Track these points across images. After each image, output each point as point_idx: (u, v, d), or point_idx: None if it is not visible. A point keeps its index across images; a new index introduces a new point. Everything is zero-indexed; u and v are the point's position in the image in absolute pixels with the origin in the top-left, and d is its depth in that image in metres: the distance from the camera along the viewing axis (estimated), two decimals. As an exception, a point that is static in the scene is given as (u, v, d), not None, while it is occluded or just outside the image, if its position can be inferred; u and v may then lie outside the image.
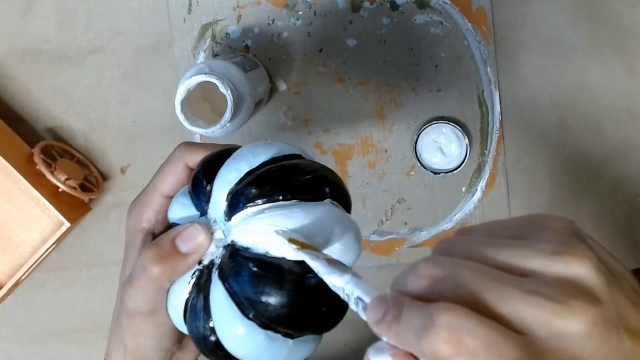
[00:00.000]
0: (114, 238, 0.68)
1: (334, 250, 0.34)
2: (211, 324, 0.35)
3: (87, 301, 0.69)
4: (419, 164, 0.64)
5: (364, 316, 0.31)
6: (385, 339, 0.29)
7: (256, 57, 0.65)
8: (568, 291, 0.25)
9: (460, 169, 0.63)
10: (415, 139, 0.64)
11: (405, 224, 0.67)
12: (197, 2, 0.65)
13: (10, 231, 0.65)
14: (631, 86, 0.65)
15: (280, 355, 0.35)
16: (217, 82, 0.52)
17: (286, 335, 0.35)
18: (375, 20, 0.64)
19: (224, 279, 0.34)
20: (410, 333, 0.27)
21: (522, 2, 0.64)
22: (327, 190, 0.36)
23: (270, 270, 0.33)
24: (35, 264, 0.64)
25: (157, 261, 0.35)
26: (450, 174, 0.64)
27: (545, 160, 0.66)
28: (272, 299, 0.33)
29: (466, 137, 0.63)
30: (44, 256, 0.64)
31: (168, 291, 0.37)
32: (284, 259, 0.33)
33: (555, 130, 0.65)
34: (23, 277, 0.64)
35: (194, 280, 0.36)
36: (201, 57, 0.65)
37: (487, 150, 0.65)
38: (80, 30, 0.66)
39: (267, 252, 0.34)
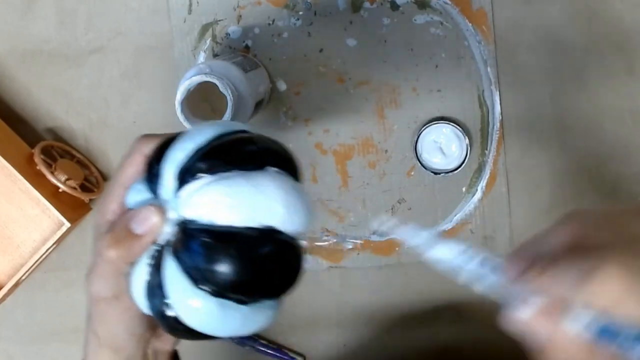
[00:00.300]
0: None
1: (278, 214, 0.35)
2: (167, 300, 0.36)
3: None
4: (419, 164, 0.64)
5: (491, 275, 0.33)
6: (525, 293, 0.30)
7: (256, 57, 0.65)
8: None
9: (460, 169, 0.63)
10: (415, 139, 0.64)
11: (406, 224, 0.67)
12: (197, 2, 0.65)
13: (10, 231, 0.65)
14: (631, 86, 0.65)
15: (234, 322, 0.36)
16: (217, 82, 0.52)
17: (239, 302, 0.36)
18: (376, 20, 0.64)
19: (175, 253, 0.36)
20: (568, 279, 0.28)
21: (522, 2, 0.64)
22: (270, 158, 0.37)
23: (215, 239, 0.35)
24: (35, 264, 0.64)
25: (112, 245, 0.37)
26: (450, 174, 0.64)
27: (545, 160, 0.66)
28: (219, 266, 0.34)
29: (466, 137, 0.63)
30: (44, 256, 0.64)
31: (130, 275, 0.38)
32: (229, 226, 0.35)
33: (555, 130, 0.65)
34: (23, 277, 0.64)
35: (151, 260, 0.37)
36: (201, 57, 0.65)
37: (487, 150, 0.65)
38: (80, 30, 0.66)
39: (212, 222, 0.35)
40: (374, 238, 0.67)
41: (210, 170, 0.36)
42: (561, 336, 0.28)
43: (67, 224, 0.62)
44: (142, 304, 0.38)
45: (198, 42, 0.65)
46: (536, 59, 0.64)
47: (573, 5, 0.64)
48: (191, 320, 0.36)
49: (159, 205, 0.37)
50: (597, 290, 0.27)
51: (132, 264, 0.38)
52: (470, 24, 0.64)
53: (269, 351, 0.69)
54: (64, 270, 0.69)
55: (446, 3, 0.64)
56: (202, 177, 0.36)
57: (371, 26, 0.64)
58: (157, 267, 0.37)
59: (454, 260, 0.35)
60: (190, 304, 0.35)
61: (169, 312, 0.36)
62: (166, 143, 0.38)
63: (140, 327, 0.40)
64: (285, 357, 0.69)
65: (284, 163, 0.38)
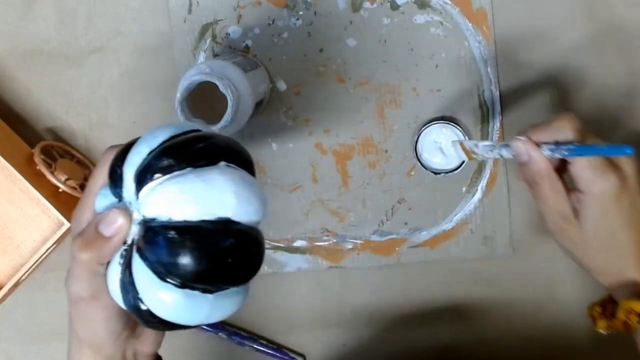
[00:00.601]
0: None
1: (231, 205, 0.38)
2: (138, 295, 0.38)
3: (87, 301, 0.69)
4: (419, 164, 0.64)
5: (507, 154, 0.52)
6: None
7: (256, 57, 0.65)
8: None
9: (460, 169, 0.63)
10: (415, 139, 0.64)
11: (406, 224, 0.67)
12: (197, 2, 0.65)
13: (10, 231, 0.65)
14: (631, 86, 0.65)
15: (202, 311, 0.38)
16: (217, 82, 0.52)
17: (204, 291, 0.38)
18: (376, 20, 0.64)
19: (140, 251, 0.38)
20: (541, 127, 0.50)
21: (522, 2, 0.64)
22: (220, 154, 0.39)
23: (175, 233, 0.37)
24: (35, 264, 0.64)
25: (83, 248, 0.39)
26: (450, 174, 0.64)
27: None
28: (181, 259, 0.36)
29: (466, 137, 0.63)
30: (44, 256, 0.64)
31: (106, 275, 0.40)
32: (185, 221, 0.37)
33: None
34: (23, 277, 0.64)
35: (122, 260, 0.39)
36: (201, 57, 0.65)
37: (487, 150, 0.65)
38: (80, 30, 0.66)
39: (170, 218, 0.37)
40: (374, 238, 0.67)
41: (164, 170, 0.38)
42: (536, 155, 0.49)
43: (67, 224, 0.62)
44: (119, 300, 0.40)
45: (198, 42, 0.65)
46: (536, 59, 0.64)
47: (573, 5, 0.64)
48: (162, 312, 0.38)
49: (124, 208, 0.39)
50: (558, 128, 0.49)
51: (105, 264, 0.40)
52: (471, 24, 0.64)
53: (268, 351, 0.69)
54: (64, 270, 0.68)
55: (446, 3, 0.64)
56: (156, 177, 0.38)
57: (371, 26, 0.64)
58: (127, 265, 0.39)
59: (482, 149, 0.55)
60: (159, 297, 0.37)
61: (142, 307, 0.38)
62: (126, 148, 0.41)
63: (118, 324, 0.42)
64: (285, 357, 0.69)
65: (235, 157, 0.40)
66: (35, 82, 0.67)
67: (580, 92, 0.65)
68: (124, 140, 0.66)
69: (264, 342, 0.69)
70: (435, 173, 0.64)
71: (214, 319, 0.39)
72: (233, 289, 0.39)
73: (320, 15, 0.64)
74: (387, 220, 0.67)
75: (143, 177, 0.38)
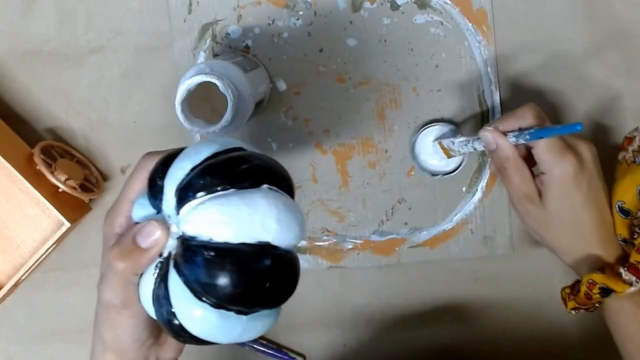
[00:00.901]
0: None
1: (272, 230, 0.38)
2: (172, 309, 0.38)
3: (87, 301, 0.69)
4: (418, 167, 0.64)
5: (479, 146, 0.56)
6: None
7: (256, 57, 0.65)
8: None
9: (457, 170, 0.63)
10: (413, 142, 0.64)
11: (406, 223, 0.67)
12: (197, 2, 0.65)
13: (10, 231, 0.65)
14: (631, 86, 0.65)
15: (235, 331, 0.39)
16: (217, 82, 0.52)
17: (239, 312, 0.38)
18: (376, 20, 0.64)
19: (177, 267, 0.38)
20: (508, 118, 0.55)
21: (522, 2, 0.64)
22: (264, 176, 0.39)
23: (214, 255, 0.37)
24: (35, 264, 0.64)
25: (120, 258, 0.39)
26: (447, 176, 0.64)
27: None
28: (219, 281, 0.37)
29: (459, 136, 0.62)
30: (43, 256, 0.64)
31: (139, 284, 0.40)
32: (226, 243, 0.37)
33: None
34: (23, 277, 0.64)
35: (157, 271, 0.39)
36: (201, 57, 0.65)
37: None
38: (80, 30, 0.66)
39: (211, 239, 0.37)
40: (374, 238, 0.67)
41: (206, 189, 0.38)
42: (502, 142, 0.54)
43: (67, 224, 0.62)
44: (150, 310, 0.40)
45: (198, 42, 0.65)
46: (536, 59, 0.64)
47: (573, 5, 0.64)
48: (194, 329, 0.38)
49: (162, 220, 0.39)
50: (520, 116, 0.54)
51: (139, 274, 0.40)
52: (471, 24, 0.64)
53: (269, 351, 0.69)
54: (64, 270, 0.69)
55: (446, 3, 0.64)
56: (199, 195, 0.38)
57: (371, 26, 0.64)
58: (162, 278, 0.39)
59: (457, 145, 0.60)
60: (193, 314, 0.38)
61: (175, 321, 0.39)
62: (167, 160, 0.41)
63: (145, 332, 0.42)
64: (285, 357, 0.69)
65: (277, 180, 0.40)
66: (35, 82, 0.67)
67: (580, 92, 0.65)
68: (124, 140, 0.67)
69: (264, 342, 0.69)
70: (433, 175, 0.64)
71: (246, 338, 0.39)
72: (266, 311, 0.40)
73: (321, 15, 0.64)
74: (387, 220, 0.67)
75: (185, 194, 0.38)
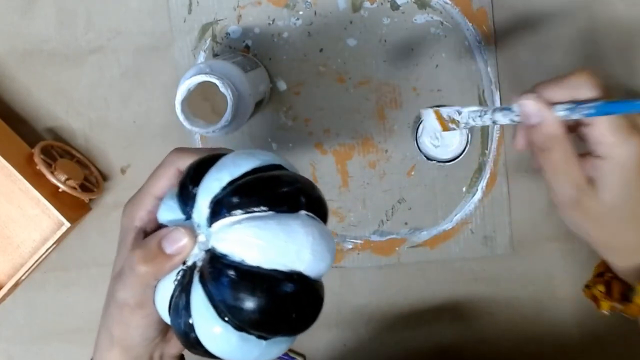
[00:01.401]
0: (114, 238, 0.68)
1: (306, 261, 0.37)
2: (191, 321, 0.37)
3: (87, 301, 0.69)
4: (419, 152, 0.62)
5: (504, 119, 0.46)
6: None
7: (256, 57, 0.65)
8: None
9: (460, 157, 0.61)
10: (417, 124, 0.61)
11: (406, 223, 0.67)
12: (197, 2, 0.65)
13: (10, 231, 0.65)
14: (631, 86, 0.65)
15: (252, 354, 0.38)
16: (217, 82, 0.52)
17: (259, 337, 0.37)
18: (376, 19, 0.64)
19: (203, 281, 0.37)
20: (553, 83, 0.44)
21: (522, 2, 0.64)
22: (303, 201, 0.38)
23: (244, 277, 0.36)
24: (35, 264, 0.64)
25: (144, 261, 0.38)
26: (450, 163, 0.61)
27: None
28: (246, 305, 0.36)
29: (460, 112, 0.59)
30: (43, 256, 0.64)
31: (156, 286, 0.40)
32: (258, 267, 0.36)
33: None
34: (23, 277, 0.64)
35: (178, 278, 0.38)
36: (201, 57, 0.65)
37: (487, 150, 0.65)
38: (80, 30, 0.66)
39: (243, 260, 0.36)
40: (374, 238, 0.67)
41: (243, 207, 0.37)
42: (549, 115, 0.43)
43: (67, 224, 0.62)
44: (165, 315, 0.40)
45: (198, 41, 0.65)
46: (536, 59, 0.64)
47: (573, 5, 0.64)
48: (211, 346, 0.38)
49: (191, 228, 0.38)
50: (575, 84, 0.43)
51: (159, 279, 0.40)
52: (471, 24, 0.64)
53: (269, 351, 0.69)
54: (64, 270, 0.69)
55: (446, 3, 0.64)
56: (235, 213, 0.37)
57: (371, 26, 0.64)
58: (183, 287, 0.38)
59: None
60: (213, 332, 0.37)
61: (192, 334, 0.38)
62: (201, 165, 0.39)
63: (155, 332, 0.42)
64: (285, 357, 0.69)
65: (315, 206, 0.39)
66: (35, 82, 0.67)
67: (581, 92, 0.65)
68: (124, 140, 0.67)
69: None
70: (439, 162, 0.62)
71: None
72: (285, 337, 0.39)
73: (321, 15, 0.64)
74: (387, 220, 0.67)
75: (220, 209, 0.37)
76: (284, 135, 0.66)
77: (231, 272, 0.36)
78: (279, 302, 0.36)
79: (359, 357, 0.70)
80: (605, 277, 0.49)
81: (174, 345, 0.45)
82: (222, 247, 0.37)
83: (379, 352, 0.70)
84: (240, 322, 0.36)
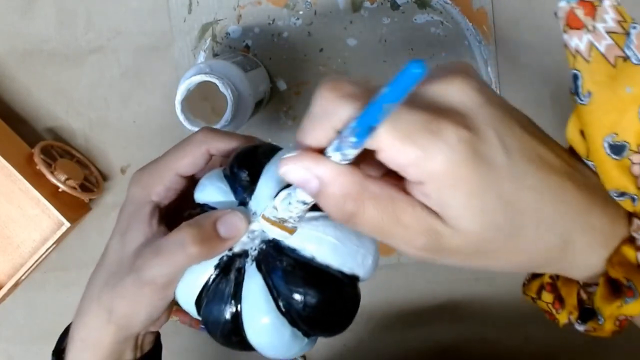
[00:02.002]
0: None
1: (367, 266, 0.37)
2: (235, 310, 0.36)
3: (87, 301, 0.69)
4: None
5: (305, 195, 0.33)
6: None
7: (256, 57, 0.65)
8: (439, 113, 0.29)
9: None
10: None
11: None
12: (197, 2, 0.65)
13: (10, 231, 0.65)
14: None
15: (294, 349, 0.37)
16: (217, 82, 0.52)
17: (305, 334, 0.37)
18: (376, 19, 0.64)
19: (265, 272, 0.36)
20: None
21: (522, 2, 0.64)
22: None
23: (314, 274, 0.35)
24: (35, 264, 0.64)
25: (197, 241, 0.36)
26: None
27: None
28: (311, 302, 0.35)
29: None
30: (43, 256, 0.64)
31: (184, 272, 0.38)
32: (327, 266, 0.36)
33: (556, 129, 0.65)
34: (23, 277, 0.64)
35: (220, 264, 0.37)
36: (201, 57, 0.65)
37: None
38: (80, 30, 0.66)
39: (314, 257, 0.36)
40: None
41: (315, 206, 0.36)
42: (326, 173, 0.30)
43: (67, 224, 0.62)
44: (186, 299, 0.38)
45: (198, 41, 0.65)
46: (536, 59, 0.64)
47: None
48: (257, 337, 0.37)
49: (246, 214, 0.37)
50: (325, 112, 0.30)
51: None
52: (471, 24, 0.64)
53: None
54: (64, 270, 0.69)
55: (446, 3, 0.64)
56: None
57: (371, 26, 0.64)
58: (225, 272, 0.37)
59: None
60: (263, 323, 0.36)
61: (231, 322, 0.37)
62: (256, 153, 0.38)
63: (160, 313, 0.40)
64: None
65: None
66: (35, 81, 0.67)
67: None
68: (124, 140, 0.67)
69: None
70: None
71: (288, 356, 0.38)
72: (322, 337, 0.39)
73: (321, 15, 0.64)
74: (387, 220, 0.67)
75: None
76: (284, 135, 0.66)
77: (300, 268, 0.35)
78: (340, 304, 0.36)
79: (358, 357, 0.70)
80: (546, 278, 0.37)
81: (158, 323, 0.43)
82: (292, 241, 0.36)
83: (379, 352, 0.70)
84: (298, 317, 0.36)
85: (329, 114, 0.29)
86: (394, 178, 0.30)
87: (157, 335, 0.45)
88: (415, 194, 0.30)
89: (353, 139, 0.28)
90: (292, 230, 0.36)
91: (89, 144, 0.68)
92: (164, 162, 0.40)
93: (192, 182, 0.41)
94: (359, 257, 0.37)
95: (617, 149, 0.31)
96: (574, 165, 0.33)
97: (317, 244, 0.36)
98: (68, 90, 0.67)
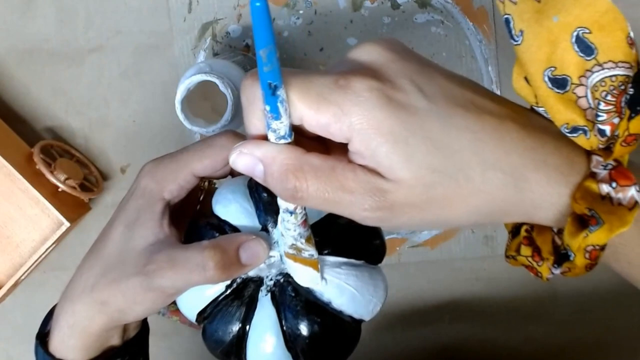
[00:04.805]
0: (114, 238, 0.68)
1: (374, 312, 0.38)
2: (241, 334, 0.37)
3: (87, 301, 0.69)
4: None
5: (300, 210, 0.34)
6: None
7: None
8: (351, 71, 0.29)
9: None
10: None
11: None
12: (197, 1, 0.64)
13: (10, 231, 0.64)
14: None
15: None
16: (217, 81, 0.52)
17: None
18: (376, 19, 0.64)
19: (279, 307, 0.36)
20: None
21: (523, 1, 0.64)
22: (382, 255, 0.39)
23: (327, 318, 0.36)
24: (35, 264, 0.63)
25: (219, 267, 0.35)
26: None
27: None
28: (318, 341, 0.36)
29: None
30: (43, 256, 0.64)
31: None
32: (341, 312, 0.36)
33: (556, 129, 0.65)
34: (22, 277, 0.64)
35: (233, 285, 0.37)
36: (201, 56, 0.65)
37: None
38: (80, 29, 0.66)
39: (330, 302, 0.36)
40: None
41: (338, 251, 0.37)
42: (267, 151, 0.30)
43: (67, 224, 0.62)
44: (189, 309, 0.38)
45: (198, 41, 0.65)
46: (537, 58, 0.64)
47: (574, 4, 0.64)
48: None
49: (268, 243, 0.37)
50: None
51: None
52: (471, 23, 0.64)
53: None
54: (64, 270, 0.69)
55: (447, 2, 0.63)
56: (327, 252, 0.36)
57: (372, 25, 0.64)
58: (236, 294, 0.37)
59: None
60: (267, 352, 0.36)
61: (234, 344, 0.37)
62: None
63: (154, 312, 0.39)
64: (286, 357, 0.69)
65: (383, 258, 0.40)
66: (35, 81, 0.67)
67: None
68: (124, 139, 0.67)
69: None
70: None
71: None
72: None
73: (321, 14, 0.64)
74: (387, 219, 0.67)
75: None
76: (284, 134, 0.66)
77: (314, 309, 0.36)
78: (345, 344, 0.37)
79: (358, 357, 0.70)
80: (522, 232, 0.36)
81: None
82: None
83: (379, 352, 0.69)
84: (302, 352, 0.36)
85: (253, 99, 0.30)
86: (342, 155, 0.31)
87: (144, 318, 0.44)
88: (353, 157, 0.30)
89: (267, 107, 0.28)
90: (314, 263, 0.35)
91: (89, 143, 0.67)
92: (183, 160, 0.39)
93: (200, 179, 0.41)
94: (370, 306, 0.38)
95: (559, 83, 0.31)
96: (517, 111, 0.32)
97: (337, 292, 0.36)
98: (68, 89, 0.67)
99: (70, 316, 0.40)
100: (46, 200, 0.61)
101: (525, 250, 0.36)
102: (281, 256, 0.37)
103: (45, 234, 0.64)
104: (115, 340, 0.41)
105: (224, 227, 0.38)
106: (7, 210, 0.64)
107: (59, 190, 0.62)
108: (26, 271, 0.63)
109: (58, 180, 0.62)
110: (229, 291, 0.37)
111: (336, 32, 0.64)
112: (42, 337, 0.43)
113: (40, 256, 0.63)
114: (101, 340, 0.40)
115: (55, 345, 0.41)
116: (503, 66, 0.64)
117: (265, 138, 0.30)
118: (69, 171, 0.63)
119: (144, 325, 0.44)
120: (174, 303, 0.40)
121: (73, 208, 0.65)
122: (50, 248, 0.63)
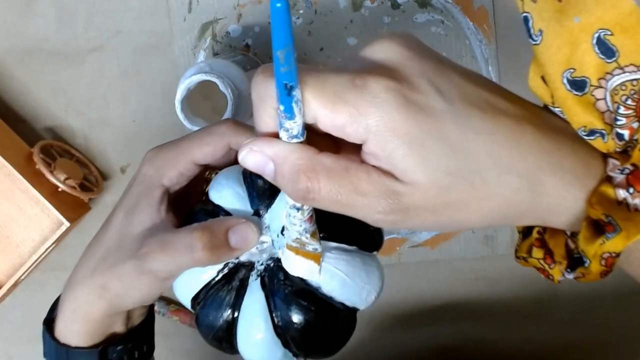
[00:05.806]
0: (114, 237, 0.68)
1: (369, 301, 0.37)
2: (231, 319, 0.37)
3: (87, 301, 0.69)
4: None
5: (307, 207, 0.33)
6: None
7: (256, 56, 0.65)
8: (368, 71, 0.29)
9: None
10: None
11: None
12: (197, 1, 0.64)
13: (10, 230, 0.64)
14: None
15: None
16: (217, 81, 0.52)
17: (294, 355, 0.37)
18: (376, 18, 0.64)
19: (268, 291, 0.36)
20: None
21: (523, 1, 0.64)
22: (378, 242, 0.38)
23: (316, 304, 0.36)
24: (35, 264, 0.63)
25: (207, 248, 0.35)
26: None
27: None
28: (308, 329, 0.35)
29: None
30: (43, 256, 0.64)
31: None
32: (331, 297, 0.36)
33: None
34: (22, 277, 0.64)
35: (224, 271, 0.37)
36: (201, 56, 0.65)
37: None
38: (80, 29, 0.66)
39: (320, 287, 0.36)
40: (375, 238, 0.67)
41: (332, 237, 0.36)
42: (279, 151, 0.30)
43: (67, 224, 0.62)
44: (184, 295, 0.38)
45: (198, 40, 0.65)
46: (537, 58, 0.64)
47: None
48: (248, 351, 0.37)
49: (259, 227, 0.37)
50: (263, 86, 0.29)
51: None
52: (472, 23, 0.64)
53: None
54: (64, 270, 0.69)
55: (447, 2, 0.63)
56: (321, 235, 0.36)
57: (372, 25, 0.64)
58: (228, 279, 0.37)
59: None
60: (257, 338, 0.36)
61: (225, 329, 0.37)
62: None
63: (152, 299, 0.40)
64: (286, 357, 0.69)
65: (380, 246, 0.39)
66: (35, 80, 0.67)
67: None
68: (124, 139, 0.67)
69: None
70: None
71: None
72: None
73: (321, 14, 0.64)
74: (387, 219, 0.67)
75: None
76: (284, 134, 0.66)
77: (303, 297, 0.35)
78: (338, 334, 0.37)
79: (358, 357, 0.70)
80: (534, 233, 0.35)
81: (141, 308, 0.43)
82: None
83: (379, 352, 0.69)
84: (292, 340, 0.36)
85: (265, 96, 0.29)
86: (354, 154, 0.30)
87: (150, 307, 0.45)
88: (367, 158, 0.29)
89: (282, 107, 0.27)
90: (317, 257, 0.35)
91: (89, 143, 0.67)
92: (183, 147, 0.39)
93: (203, 169, 0.41)
94: (363, 293, 0.37)
95: (578, 85, 0.30)
96: (533, 111, 0.32)
97: (327, 277, 0.36)
98: (68, 89, 0.67)
99: (73, 301, 0.41)
100: (46, 200, 0.61)
101: (537, 253, 0.35)
102: (273, 241, 0.37)
103: (45, 233, 0.64)
104: (119, 327, 0.41)
105: (218, 212, 0.38)
106: (7, 210, 0.64)
107: (59, 190, 0.62)
108: (26, 271, 0.63)
109: (58, 180, 0.62)
110: (220, 276, 0.37)
111: (336, 32, 0.64)
112: (49, 322, 0.43)
113: (40, 256, 0.63)
114: (104, 327, 0.41)
115: (60, 330, 0.42)
116: (503, 66, 0.64)
117: (275, 135, 0.30)
118: (69, 171, 0.63)
119: (149, 315, 0.44)
120: (175, 303, 0.40)
121: (73, 208, 0.65)
122: (50, 248, 0.63)
